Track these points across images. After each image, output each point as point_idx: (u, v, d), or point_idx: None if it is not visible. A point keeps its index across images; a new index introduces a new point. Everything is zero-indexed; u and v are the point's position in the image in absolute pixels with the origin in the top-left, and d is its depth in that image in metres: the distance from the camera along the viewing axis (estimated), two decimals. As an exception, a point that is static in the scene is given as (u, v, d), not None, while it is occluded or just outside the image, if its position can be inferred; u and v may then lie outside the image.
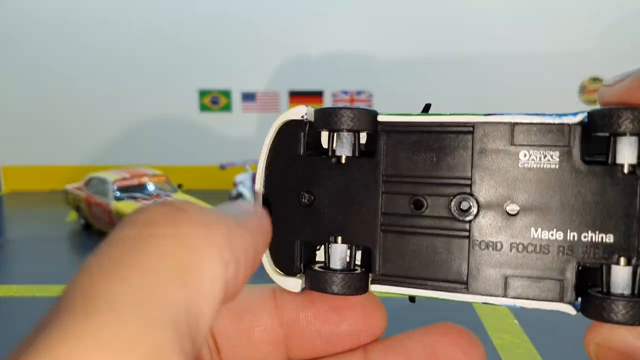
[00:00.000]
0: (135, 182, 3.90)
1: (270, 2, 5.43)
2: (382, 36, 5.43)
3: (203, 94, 5.66)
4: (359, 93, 5.66)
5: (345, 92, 5.66)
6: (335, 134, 0.29)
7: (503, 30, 5.32)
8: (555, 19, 5.26)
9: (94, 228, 3.96)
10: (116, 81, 5.54)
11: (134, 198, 3.74)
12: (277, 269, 0.29)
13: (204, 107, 5.67)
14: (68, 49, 5.46)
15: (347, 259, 0.28)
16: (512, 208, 0.26)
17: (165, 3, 5.44)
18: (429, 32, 5.37)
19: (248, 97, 5.68)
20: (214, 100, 5.67)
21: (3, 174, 5.77)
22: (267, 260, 0.29)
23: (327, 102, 5.64)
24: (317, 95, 5.66)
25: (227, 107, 5.68)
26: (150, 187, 3.93)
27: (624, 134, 0.24)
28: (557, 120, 0.26)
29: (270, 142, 0.29)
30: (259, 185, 0.29)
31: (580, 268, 0.26)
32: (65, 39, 5.45)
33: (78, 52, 5.47)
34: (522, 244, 0.26)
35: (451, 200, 0.27)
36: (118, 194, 3.76)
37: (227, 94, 5.67)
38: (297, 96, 5.64)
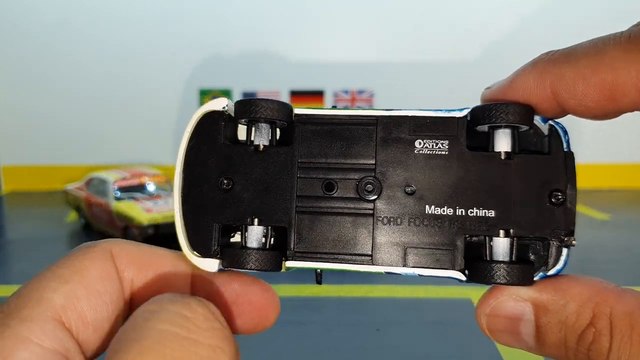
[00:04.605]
0: (135, 181, 3.89)
1: (272, 2, 5.42)
2: (383, 36, 5.41)
3: (204, 93, 5.65)
4: (360, 92, 5.65)
5: (346, 92, 5.65)
6: (253, 124, 0.31)
7: (504, 31, 5.30)
8: (555, 20, 5.24)
9: (94, 228, 3.95)
10: (117, 81, 5.53)
11: (134, 198, 3.73)
12: (195, 252, 0.30)
13: (204, 107, 5.66)
14: (69, 49, 5.46)
15: (263, 240, 0.31)
16: (409, 188, 0.30)
17: (166, 2, 5.43)
18: (430, 32, 5.36)
19: (249, 96, 5.67)
20: (215, 100, 5.66)
21: (3, 173, 5.76)
22: (184, 243, 0.30)
23: (328, 101, 5.63)
24: (318, 94, 5.65)
25: (227, 107, 5.67)
26: (151, 187, 3.93)
27: (499, 127, 0.29)
28: (446, 115, 0.30)
29: (192, 131, 0.32)
30: (179, 170, 0.31)
31: (467, 240, 0.30)
32: (66, 38, 5.44)
33: (79, 51, 5.46)
34: (419, 219, 0.30)
35: (358, 183, 0.31)
36: (118, 193, 3.75)
37: (227, 93, 5.66)
38: (297, 95, 5.63)
